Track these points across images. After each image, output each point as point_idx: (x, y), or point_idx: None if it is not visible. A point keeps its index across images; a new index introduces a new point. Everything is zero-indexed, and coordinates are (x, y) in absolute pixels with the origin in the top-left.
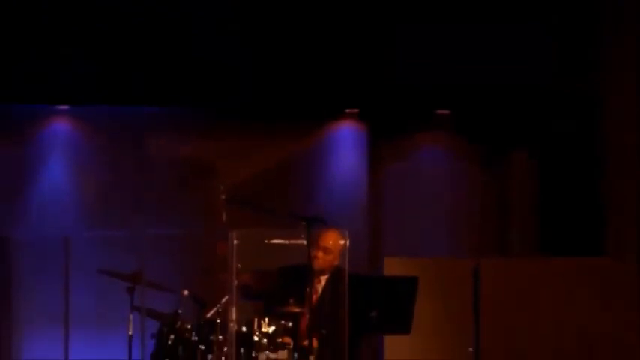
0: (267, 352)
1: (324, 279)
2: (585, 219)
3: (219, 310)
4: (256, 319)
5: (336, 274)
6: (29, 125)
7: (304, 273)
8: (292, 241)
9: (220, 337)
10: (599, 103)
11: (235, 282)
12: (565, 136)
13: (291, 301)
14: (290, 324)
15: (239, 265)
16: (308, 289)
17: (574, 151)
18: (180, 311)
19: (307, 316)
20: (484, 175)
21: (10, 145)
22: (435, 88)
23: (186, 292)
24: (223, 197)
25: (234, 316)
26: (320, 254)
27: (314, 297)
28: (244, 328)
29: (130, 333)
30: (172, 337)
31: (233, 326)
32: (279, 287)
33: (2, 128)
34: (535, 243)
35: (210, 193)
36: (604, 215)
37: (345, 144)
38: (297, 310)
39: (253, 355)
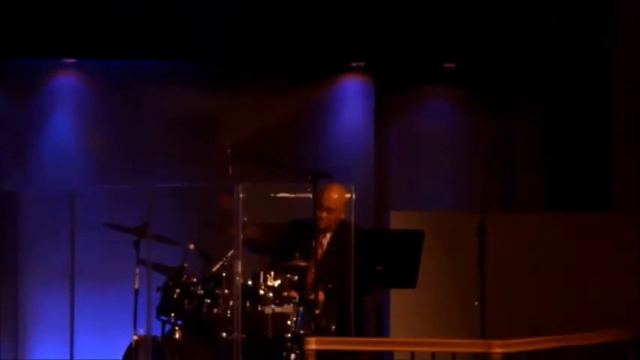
0: (272, 305)
1: (329, 234)
2: (592, 174)
3: (225, 263)
4: (262, 273)
5: (341, 227)
6: (35, 79)
7: (310, 227)
8: (298, 195)
9: (226, 290)
10: (606, 56)
11: (241, 236)
12: (571, 89)
13: (297, 255)
14: (296, 278)
15: (245, 219)
16: (314, 244)
17: (580, 105)
18: (185, 265)
19: (313, 270)
20: (490, 129)
21: (16, 100)
22: (440, 40)
23: (192, 246)
24: (229, 151)
25: (239, 269)
26: (324, 215)
27: (319, 251)
28: (250, 282)
29: (135, 287)
30: (178, 290)
31: (239, 280)
32: (285, 241)
33: (8, 82)
34: (541, 198)
35: (216, 147)
36: (610, 170)
37: (351, 97)
38: (303, 264)
39: (259, 308)
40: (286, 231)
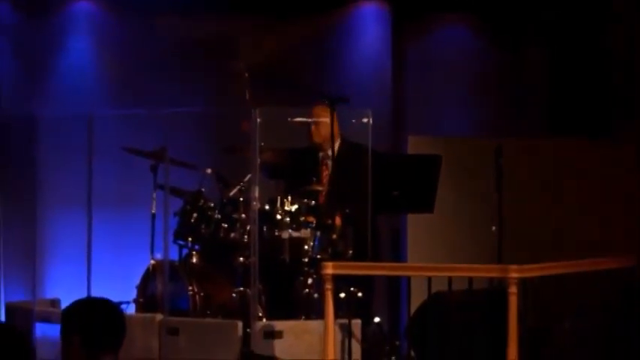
0: (289, 230)
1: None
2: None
3: (242, 188)
4: (279, 198)
5: (343, 148)
6: (52, 4)
7: (312, 151)
8: (315, 120)
9: (243, 215)
10: None
11: (258, 160)
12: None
13: (314, 179)
14: (313, 202)
15: (262, 144)
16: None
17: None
18: (203, 189)
19: (322, 193)
20: (506, 56)
21: (34, 25)
22: None
23: (209, 171)
24: (247, 75)
25: (256, 194)
26: (312, 128)
27: (325, 173)
28: (267, 207)
29: (152, 211)
30: (195, 215)
31: (256, 204)
32: (301, 165)
33: (25, 7)
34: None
35: (233, 71)
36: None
37: (369, 22)
38: (319, 188)
39: (276, 233)
40: (290, 159)
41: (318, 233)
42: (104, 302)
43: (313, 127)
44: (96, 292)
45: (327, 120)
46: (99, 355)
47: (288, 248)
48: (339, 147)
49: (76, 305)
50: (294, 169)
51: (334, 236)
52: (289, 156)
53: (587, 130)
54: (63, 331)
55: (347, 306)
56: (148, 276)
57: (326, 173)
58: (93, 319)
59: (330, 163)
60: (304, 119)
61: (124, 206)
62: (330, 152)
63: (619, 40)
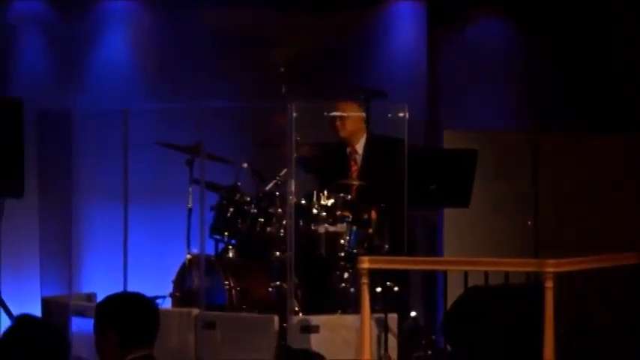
0: (326, 224)
1: (359, 148)
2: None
3: (279, 182)
4: (315, 192)
5: (370, 143)
6: None
7: (340, 147)
8: (351, 114)
9: (279, 209)
10: None
11: (294, 155)
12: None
13: (350, 173)
14: (349, 197)
15: (298, 138)
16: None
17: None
18: (239, 184)
19: (355, 188)
20: (543, 50)
21: (69, 19)
22: None
23: (245, 165)
24: (282, 69)
25: (293, 188)
26: (337, 123)
27: (354, 168)
28: (303, 201)
29: (189, 206)
30: (231, 209)
31: (292, 199)
32: (334, 161)
33: (62, 3)
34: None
35: (269, 65)
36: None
37: (404, 18)
38: (355, 182)
39: (312, 227)
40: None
41: (354, 228)
42: (137, 297)
43: (338, 122)
44: (132, 287)
45: (353, 115)
46: (134, 349)
47: (324, 243)
48: (365, 142)
49: (110, 300)
50: (328, 163)
51: (370, 230)
52: (324, 150)
53: (624, 125)
54: (97, 327)
55: (383, 300)
56: (185, 270)
57: (355, 168)
58: (127, 314)
59: (358, 158)
60: (340, 113)
61: (160, 201)
62: (357, 147)
63: None
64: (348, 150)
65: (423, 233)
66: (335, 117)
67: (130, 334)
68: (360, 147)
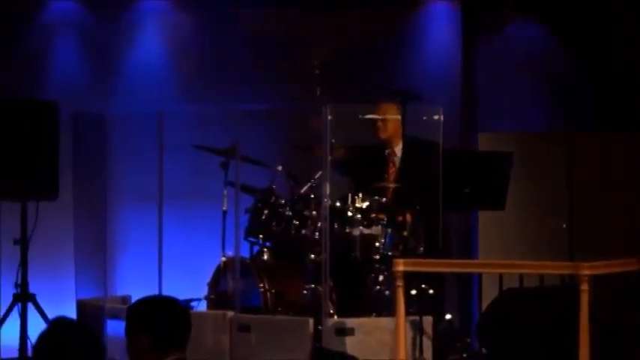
0: (360, 227)
1: (398, 150)
2: None
3: (313, 185)
4: (350, 195)
5: (409, 145)
6: (122, 1)
7: (380, 149)
8: (387, 117)
9: (314, 212)
10: None
11: (329, 157)
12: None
13: (385, 176)
14: (384, 199)
15: (333, 141)
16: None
17: None
18: (274, 186)
19: (391, 190)
20: (578, 52)
21: (104, 21)
22: None
23: (280, 168)
24: (317, 71)
25: (328, 191)
26: (379, 124)
27: (392, 170)
28: (338, 204)
29: (224, 208)
30: (266, 212)
31: (327, 201)
32: (369, 164)
33: (96, 3)
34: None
35: (304, 67)
36: None
37: (440, 20)
38: (390, 185)
39: (347, 230)
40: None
41: (389, 230)
42: (169, 300)
43: (380, 123)
44: (167, 289)
45: (394, 117)
46: (167, 353)
47: (359, 245)
48: (404, 144)
49: (142, 304)
50: (364, 166)
51: (405, 233)
52: (360, 153)
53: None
54: (129, 330)
55: (418, 303)
56: (219, 273)
57: (392, 170)
58: (159, 318)
59: (396, 160)
60: (375, 116)
61: (194, 203)
62: (396, 149)
63: None
64: (387, 152)
65: (458, 235)
66: (376, 118)
67: (162, 338)
68: (398, 149)
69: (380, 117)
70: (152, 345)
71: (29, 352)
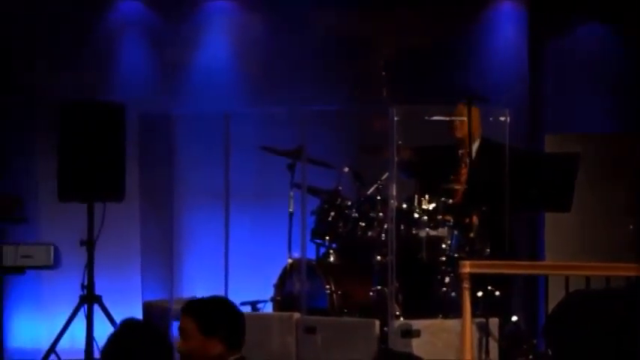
0: (427, 229)
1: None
2: None
3: (380, 186)
4: (417, 196)
5: (482, 146)
6: (189, 2)
7: (451, 150)
8: (453, 118)
9: (380, 213)
10: None
11: (396, 159)
12: None
13: (452, 178)
14: (450, 201)
15: (399, 142)
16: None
17: None
18: (340, 188)
19: (460, 192)
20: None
21: (171, 22)
22: None
23: (346, 169)
24: (384, 73)
25: (394, 192)
26: (456, 123)
27: (463, 171)
28: (404, 205)
29: (290, 210)
30: (333, 213)
31: (393, 203)
32: (436, 165)
33: (163, 4)
34: None
35: (371, 69)
36: None
37: (506, 21)
38: (457, 187)
39: (413, 231)
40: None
41: (456, 232)
42: (228, 301)
43: (458, 122)
44: (233, 291)
45: (462, 118)
46: (233, 353)
47: (425, 247)
48: (478, 146)
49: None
50: (431, 167)
51: (472, 235)
52: (427, 154)
53: None
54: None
55: (484, 304)
56: (286, 274)
57: (464, 171)
58: (232, 319)
59: (468, 161)
60: (442, 117)
61: (261, 204)
62: (469, 150)
63: None
64: (461, 152)
65: (525, 237)
66: (447, 120)
67: (234, 339)
68: (473, 150)
69: (446, 118)
70: (226, 346)
71: (95, 354)
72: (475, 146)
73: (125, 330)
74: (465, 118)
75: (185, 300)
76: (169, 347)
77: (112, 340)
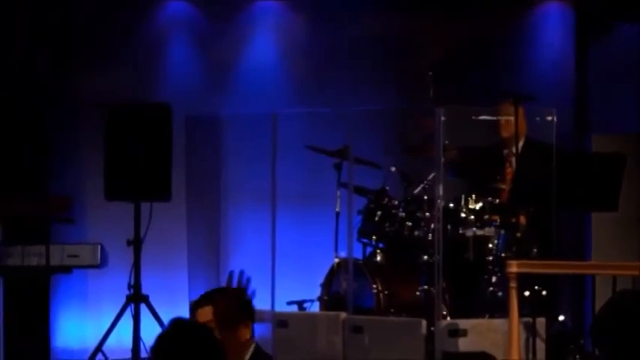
0: (474, 228)
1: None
2: None
3: (426, 186)
4: (463, 196)
5: (527, 146)
6: (236, 3)
7: (497, 149)
8: (500, 118)
9: (427, 213)
10: None
11: (442, 159)
12: None
13: (499, 177)
14: (497, 201)
15: (446, 142)
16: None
17: None
18: (387, 187)
19: (505, 191)
20: None
21: (218, 23)
22: None
23: (393, 169)
24: (430, 73)
25: (441, 192)
26: (502, 122)
27: (508, 171)
28: (451, 205)
29: (337, 210)
30: (379, 213)
31: (440, 203)
32: (482, 165)
33: (210, 5)
34: None
35: (417, 69)
36: None
37: (552, 21)
38: (503, 186)
39: (460, 231)
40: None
41: (503, 232)
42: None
43: (504, 121)
44: (279, 290)
45: (509, 117)
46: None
47: (472, 246)
48: (522, 145)
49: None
50: (477, 167)
51: (518, 234)
52: (473, 154)
53: None
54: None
55: (531, 304)
56: (332, 274)
57: (509, 171)
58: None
59: (513, 161)
60: (488, 117)
61: (308, 204)
62: (514, 150)
63: None
64: (505, 152)
65: (572, 236)
66: (493, 120)
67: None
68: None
69: (493, 118)
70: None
71: (142, 354)
72: (520, 145)
73: (176, 329)
74: (511, 118)
75: None
76: (220, 347)
77: (162, 339)
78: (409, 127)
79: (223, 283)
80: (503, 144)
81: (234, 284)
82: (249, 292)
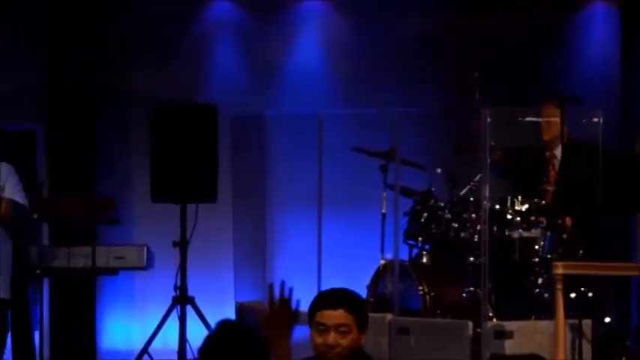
0: (520, 230)
1: (557, 153)
2: None
3: (473, 188)
4: (509, 197)
5: (569, 147)
6: (281, 3)
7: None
8: (546, 119)
9: (473, 215)
10: None
11: (489, 160)
12: None
13: (544, 179)
14: (543, 202)
15: (492, 143)
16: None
17: None
18: (433, 189)
19: (550, 193)
20: None
21: (264, 23)
22: None
23: (439, 170)
24: (476, 74)
25: (487, 193)
26: (543, 125)
27: (552, 172)
28: (497, 206)
29: (383, 211)
30: (425, 214)
31: (486, 204)
32: (526, 166)
33: (255, 6)
34: None
35: (463, 71)
36: None
37: (598, 22)
38: (549, 188)
39: (506, 233)
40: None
41: (549, 233)
42: None
43: (544, 124)
44: None
45: (554, 119)
46: None
47: (518, 248)
48: (564, 146)
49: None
50: (523, 168)
51: (564, 236)
52: (518, 156)
53: None
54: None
55: (577, 306)
56: (379, 275)
57: (552, 173)
58: None
59: (556, 163)
60: (534, 119)
61: (353, 206)
62: (556, 152)
63: None
64: (547, 154)
65: (618, 238)
66: (539, 121)
67: None
68: (558, 152)
69: (539, 119)
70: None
71: (188, 355)
72: (560, 148)
73: (223, 331)
74: (554, 119)
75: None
76: (266, 349)
77: (210, 341)
78: (455, 128)
79: (268, 284)
80: (545, 146)
81: (276, 296)
82: (294, 302)
